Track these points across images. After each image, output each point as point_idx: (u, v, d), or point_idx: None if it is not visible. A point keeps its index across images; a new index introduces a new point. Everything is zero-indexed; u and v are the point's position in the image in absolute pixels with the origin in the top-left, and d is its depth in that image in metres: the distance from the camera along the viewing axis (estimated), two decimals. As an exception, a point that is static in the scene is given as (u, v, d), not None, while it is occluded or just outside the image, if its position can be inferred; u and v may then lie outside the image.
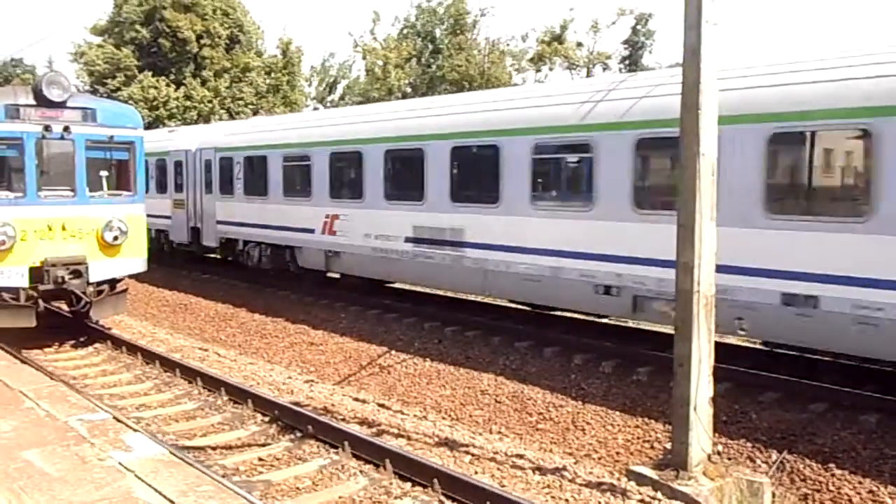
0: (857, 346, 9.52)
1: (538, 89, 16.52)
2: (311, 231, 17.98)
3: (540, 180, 13.27)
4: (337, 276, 18.92)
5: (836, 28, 55.83)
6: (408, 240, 15.33)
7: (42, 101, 13.33)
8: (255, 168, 20.18)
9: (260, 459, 8.86)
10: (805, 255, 9.69)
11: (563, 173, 13.66)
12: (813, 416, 9.75)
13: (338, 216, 17.20)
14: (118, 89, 39.61)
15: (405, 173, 15.79)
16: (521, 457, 9.28)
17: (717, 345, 8.05)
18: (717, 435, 8.73)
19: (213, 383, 11.68)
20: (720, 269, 8.24)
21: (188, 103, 41.10)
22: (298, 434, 9.58)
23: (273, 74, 45.56)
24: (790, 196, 10.20)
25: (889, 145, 8.98)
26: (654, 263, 11.09)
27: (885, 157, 9.02)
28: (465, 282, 14.66)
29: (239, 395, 11.07)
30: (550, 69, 44.15)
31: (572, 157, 13.05)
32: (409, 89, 43.67)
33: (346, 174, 17.42)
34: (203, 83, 42.17)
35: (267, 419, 10.23)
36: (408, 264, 15.40)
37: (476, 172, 14.51)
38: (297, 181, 18.72)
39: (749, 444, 9.40)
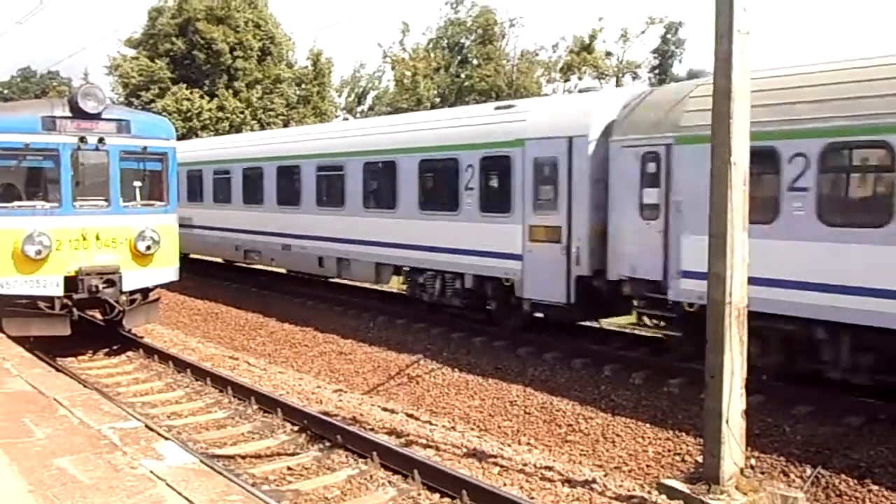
0: None
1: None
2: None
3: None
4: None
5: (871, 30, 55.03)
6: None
7: (77, 113, 13.55)
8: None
9: (289, 469, 8.89)
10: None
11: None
12: (848, 430, 9.56)
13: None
14: (152, 101, 40.20)
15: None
16: (550, 469, 9.22)
17: (750, 356, 7.93)
18: (749, 448, 8.59)
19: (243, 392, 11.76)
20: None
21: (220, 114, 41.58)
22: (327, 444, 9.60)
23: (303, 85, 45.98)
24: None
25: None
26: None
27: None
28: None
29: (269, 404, 11.13)
30: (580, 78, 44.03)
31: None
32: (437, 100, 43.81)
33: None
34: (235, 94, 42.66)
35: (296, 428, 10.27)
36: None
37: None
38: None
39: (783, 459, 9.23)
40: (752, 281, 8.10)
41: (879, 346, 9.59)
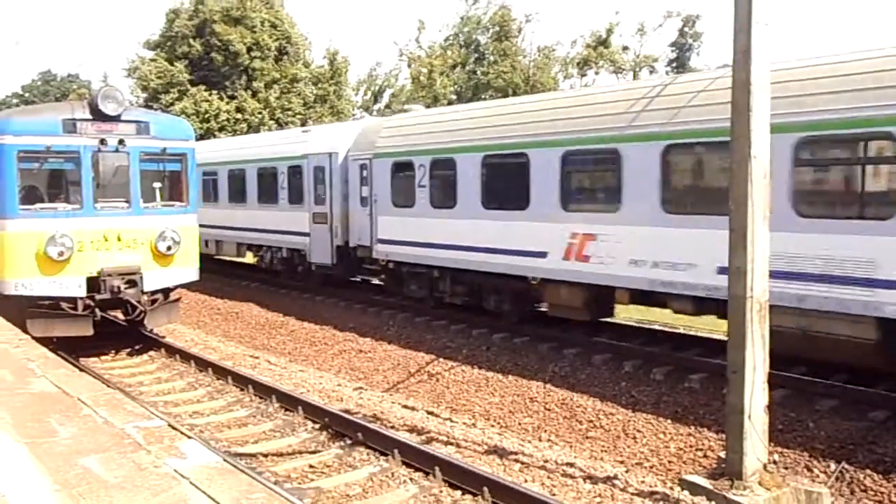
0: None
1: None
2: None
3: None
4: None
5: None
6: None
7: (98, 115, 13.67)
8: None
9: (311, 466, 8.93)
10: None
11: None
12: (873, 425, 9.48)
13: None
14: (172, 104, 40.44)
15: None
16: (571, 465, 9.20)
17: (771, 351, 7.87)
18: (772, 444, 8.53)
19: (264, 391, 11.83)
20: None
21: (239, 115, 41.78)
22: (348, 441, 9.64)
23: (320, 84, 46.08)
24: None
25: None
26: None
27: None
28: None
29: (290, 402, 11.19)
30: (597, 73, 43.86)
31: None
32: (454, 96, 43.77)
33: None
34: (254, 95, 42.84)
35: (317, 426, 10.32)
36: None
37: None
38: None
39: (806, 454, 9.16)
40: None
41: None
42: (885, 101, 9.15)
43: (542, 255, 13.64)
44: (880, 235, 9.19)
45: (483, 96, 40.64)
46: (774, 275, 8.21)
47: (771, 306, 7.76)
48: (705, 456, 9.48)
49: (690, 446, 9.80)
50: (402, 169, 17.11)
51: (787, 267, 9.91)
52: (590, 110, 13.08)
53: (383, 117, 19.48)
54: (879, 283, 9.21)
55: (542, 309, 15.18)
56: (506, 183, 14.61)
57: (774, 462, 8.48)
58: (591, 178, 13.84)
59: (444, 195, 16.01)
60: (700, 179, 12.06)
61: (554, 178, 13.36)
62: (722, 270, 8.86)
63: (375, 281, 20.49)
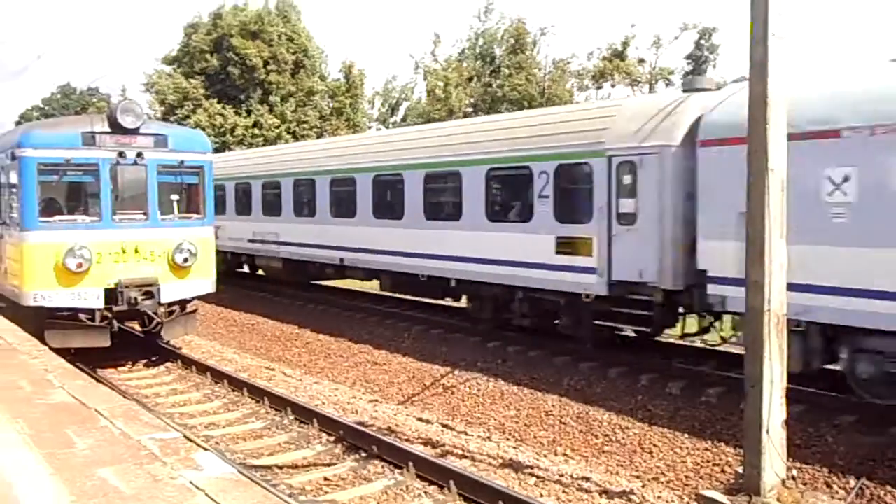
0: None
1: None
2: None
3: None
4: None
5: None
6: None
7: (116, 128, 13.81)
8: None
9: (325, 479, 8.93)
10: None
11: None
12: (893, 441, 9.35)
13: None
14: (187, 117, 40.78)
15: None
16: (587, 479, 9.15)
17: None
18: (791, 459, 8.44)
19: (279, 403, 11.85)
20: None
21: (256, 131, 42.07)
22: (363, 454, 9.64)
23: (336, 98, 46.30)
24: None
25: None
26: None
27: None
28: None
29: (305, 414, 11.21)
30: (613, 86, 43.79)
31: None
32: (470, 109, 43.84)
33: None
34: (270, 109, 43.12)
35: (332, 439, 10.32)
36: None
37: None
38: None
39: (825, 470, 9.05)
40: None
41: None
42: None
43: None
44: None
45: (500, 109, 40.67)
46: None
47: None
48: (723, 471, 9.40)
49: (708, 461, 9.72)
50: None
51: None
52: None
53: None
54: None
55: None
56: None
57: (793, 478, 8.38)
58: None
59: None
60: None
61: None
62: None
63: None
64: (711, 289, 11.12)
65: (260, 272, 25.72)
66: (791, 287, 7.88)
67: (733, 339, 11.84)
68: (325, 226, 20.31)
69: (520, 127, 14.86)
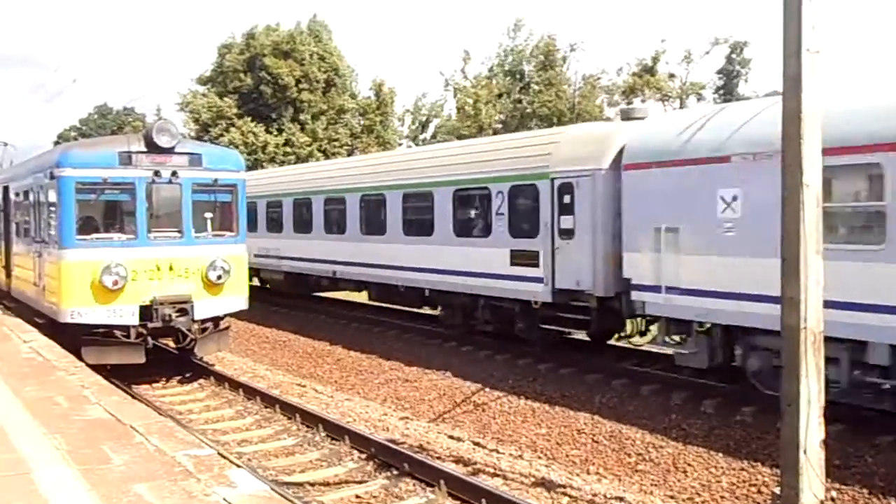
0: None
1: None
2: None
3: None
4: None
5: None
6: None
7: (152, 148, 14.04)
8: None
9: (357, 497, 8.93)
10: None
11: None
12: (936, 461, 9.15)
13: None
14: (220, 135, 41.36)
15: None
16: (620, 499, 9.05)
17: (827, 383, 7.66)
18: (829, 480, 8.27)
19: (311, 419, 11.89)
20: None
21: (287, 149, 42.54)
22: (395, 472, 9.62)
23: (367, 115, 46.67)
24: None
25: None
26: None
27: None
28: None
29: (336, 431, 11.23)
30: (643, 101, 43.58)
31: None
32: (500, 126, 43.90)
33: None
34: (301, 127, 43.59)
35: (364, 456, 10.32)
36: None
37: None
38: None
39: (865, 490, 8.86)
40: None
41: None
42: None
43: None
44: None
45: (529, 125, 40.70)
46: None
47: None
48: (759, 492, 9.23)
49: (743, 481, 9.56)
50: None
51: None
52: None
53: None
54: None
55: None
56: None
57: (832, 499, 8.25)
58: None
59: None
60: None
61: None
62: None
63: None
64: (634, 295, 12.79)
65: (268, 286, 26.99)
66: (697, 293, 11.09)
67: (660, 341, 13.32)
68: (320, 241, 22.28)
69: (481, 152, 16.89)
